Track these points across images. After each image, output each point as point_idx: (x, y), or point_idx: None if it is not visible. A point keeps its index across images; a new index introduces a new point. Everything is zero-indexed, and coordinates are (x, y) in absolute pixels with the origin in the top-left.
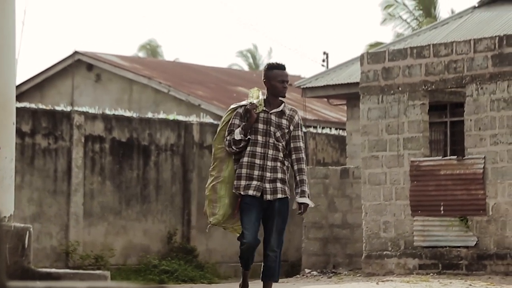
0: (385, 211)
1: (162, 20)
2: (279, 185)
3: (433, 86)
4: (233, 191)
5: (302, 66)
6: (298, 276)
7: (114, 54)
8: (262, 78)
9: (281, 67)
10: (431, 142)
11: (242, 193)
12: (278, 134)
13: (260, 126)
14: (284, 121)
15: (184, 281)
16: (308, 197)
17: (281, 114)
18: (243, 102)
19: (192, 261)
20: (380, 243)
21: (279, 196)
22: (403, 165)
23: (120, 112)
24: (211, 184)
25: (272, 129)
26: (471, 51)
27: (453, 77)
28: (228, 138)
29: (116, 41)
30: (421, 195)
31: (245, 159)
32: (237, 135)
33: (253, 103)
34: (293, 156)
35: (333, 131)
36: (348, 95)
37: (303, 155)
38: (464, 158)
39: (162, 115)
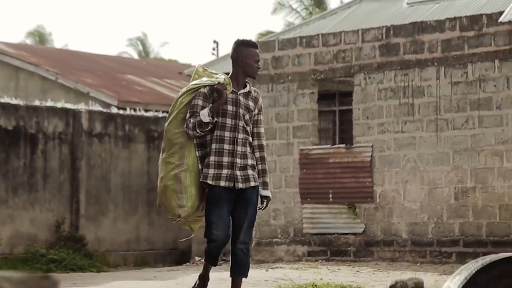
0: (275, 198)
1: (51, 7)
2: (250, 172)
3: (322, 75)
4: (201, 180)
5: (192, 55)
6: (188, 263)
7: None
8: (234, 54)
9: (256, 45)
10: (320, 130)
11: (211, 183)
12: (247, 116)
13: (229, 108)
14: (250, 103)
15: (72, 270)
16: (269, 188)
17: (248, 95)
18: (205, 81)
19: (81, 249)
20: (270, 231)
21: (252, 184)
22: (292, 153)
23: (6, 100)
24: (173, 173)
25: (241, 111)
26: (359, 41)
27: (342, 66)
28: (192, 120)
29: (2, 28)
30: (310, 183)
31: (213, 145)
32: (205, 117)
33: (223, 83)
34: (255, 142)
35: None
36: None
37: (265, 142)
38: (352, 146)
39: (49, 103)
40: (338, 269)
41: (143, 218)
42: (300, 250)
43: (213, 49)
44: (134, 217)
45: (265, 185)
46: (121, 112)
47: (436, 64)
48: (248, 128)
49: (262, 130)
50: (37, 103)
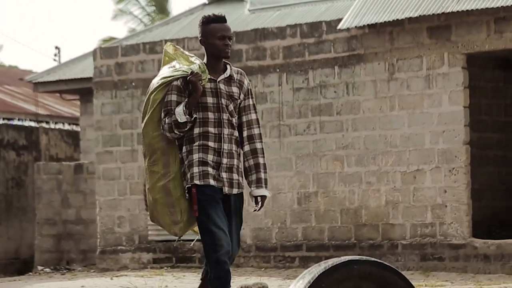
0: (119, 206)
1: None
2: (235, 176)
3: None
4: (186, 185)
5: (34, 61)
6: (30, 273)
7: None
8: (199, 36)
9: (221, 19)
10: None
11: (198, 182)
12: (231, 107)
13: (209, 100)
14: (234, 89)
15: None
16: (266, 185)
17: (230, 80)
18: (176, 72)
19: None
20: (114, 238)
21: (235, 191)
22: (137, 160)
23: None
24: (160, 184)
25: (223, 101)
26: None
27: None
28: (167, 120)
29: None
30: None
31: (196, 142)
32: (181, 116)
33: (197, 73)
34: (245, 133)
35: (67, 126)
36: (81, 90)
37: (259, 130)
38: None
39: None
40: (184, 275)
41: None
42: (146, 258)
43: (55, 55)
44: None
45: (259, 182)
46: None
47: (278, 70)
48: (233, 121)
49: (253, 116)
50: None
